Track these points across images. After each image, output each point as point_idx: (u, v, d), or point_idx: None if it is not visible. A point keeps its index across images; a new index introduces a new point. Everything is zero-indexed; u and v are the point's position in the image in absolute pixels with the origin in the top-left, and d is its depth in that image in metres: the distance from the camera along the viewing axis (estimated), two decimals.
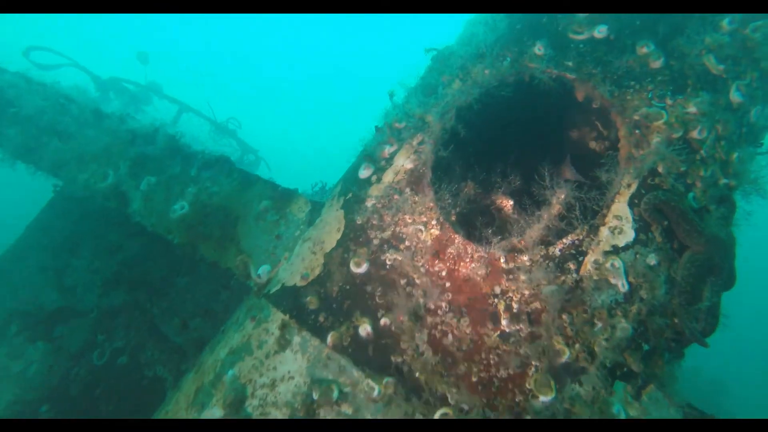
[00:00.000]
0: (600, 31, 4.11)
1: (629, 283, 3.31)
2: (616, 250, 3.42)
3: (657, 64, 3.83)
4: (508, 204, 4.44)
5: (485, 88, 4.23)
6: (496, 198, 4.45)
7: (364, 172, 4.32)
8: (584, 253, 3.48)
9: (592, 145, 6.58)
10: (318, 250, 4.17)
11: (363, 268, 3.90)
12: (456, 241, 3.77)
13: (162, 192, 5.05)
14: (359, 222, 4.08)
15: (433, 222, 3.86)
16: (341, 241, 4.10)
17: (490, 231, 3.71)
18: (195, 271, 6.81)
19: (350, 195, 4.29)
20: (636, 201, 3.50)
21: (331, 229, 4.22)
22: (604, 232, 3.49)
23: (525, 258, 3.59)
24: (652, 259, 3.35)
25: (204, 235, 4.76)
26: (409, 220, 3.93)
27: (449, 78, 4.45)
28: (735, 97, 3.60)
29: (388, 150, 4.31)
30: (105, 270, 7.39)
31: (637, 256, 3.37)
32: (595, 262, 3.43)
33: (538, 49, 4.20)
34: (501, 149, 4.92)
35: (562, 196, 3.67)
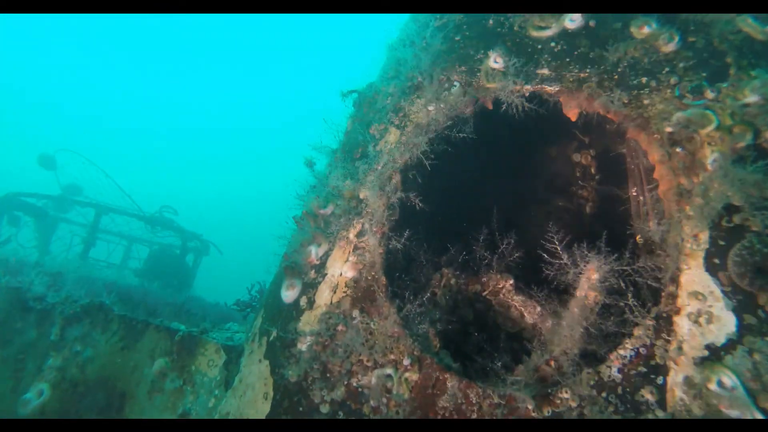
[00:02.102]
0: (572, 20, 2.87)
1: (763, 410, 1.90)
2: (715, 354, 2.02)
3: (671, 46, 2.58)
4: (506, 284, 3.03)
5: (434, 133, 2.89)
6: (488, 279, 3.04)
7: (288, 294, 2.86)
8: (663, 370, 2.07)
9: (576, 158, 5.38)
10: None
11: None
12: (449, 385, 2.31)
13: (7, 375, 3.44)
14: (294, 380, 2.58)
15: (406, 360, 2.40)
16: (273, 416, 2.57)
17: (499, 363, 2.27)
18: None
19: (274, 334, 2.80)
20: (717, 261, 2.14)
21: (255, 395, 2.69)
22: (682, 324, 2.10)
23: (566, 395, 2.14)
24: None
25: None
26: (369, 364, 2.45)
27: (381, 128, 3.10)
28: None
29: (315, 253, 2.88)
30: None
31: (755, 355, 1.97)
32: (688, 382, 2.01)
33: (495, 60, 2.92)
34: (477, 206, 3.57)
35: (595, 276, 2.28)
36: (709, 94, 2.41)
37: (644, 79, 2.59)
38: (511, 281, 3.03)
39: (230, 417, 2.75)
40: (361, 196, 2.88)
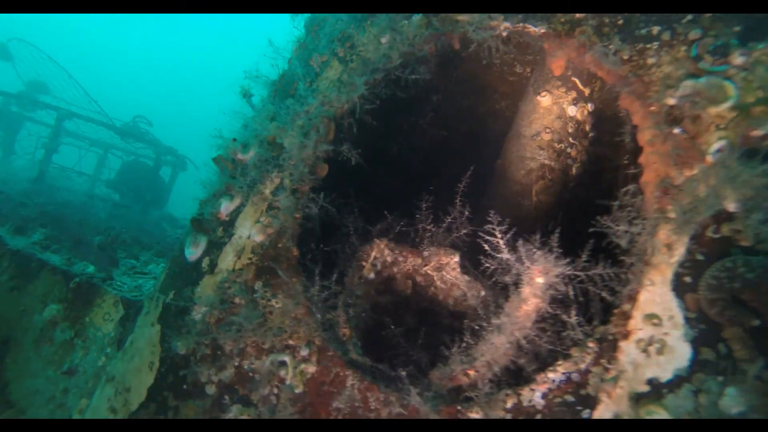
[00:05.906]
0: None
1: None
2: (656, 391, 1.66)
3: None
4: (451, 261, 2.62)
5: (383, 72, 2.31)
6: (431, 253, 2.62)
7: (191, 251, 2.44)
8: (592, 402, 1.72)
9: (571, 111, 4.78)
10: (120, 405, 2.34)
11: None
12: (348, 384, 1.97)
13: None
14: (182, 352, 2.23)
15: (303, 350, 2.03)
16: (155, 390, 2.26)
17: (404, 372, 1.90)
18: None
19: (172, 295, 2.42)
20: (688, 280, 1.71)
21: (141, 363, 2.37)
22: (628, 351, 1.72)
23: (477, 415, 1.81)
24: (732, 403, 1.60)
25: None
26: (265, 347, 2.09)
27: (322, 60, 2.50)
28: None
29: (226, 207, 2.41)
30: None
31: (701, 397, 1.61)
32: (617, 418, 1.67)
33: None
34: (425, 164, 3.04)
35: (540, 281, 1.85)
36: (736, 59, 1.83)
37: (656, 29, 1.99)
38: (456, 258, 2.61)
39: (112, 385, 2.45)
40: (285, 144, 2.36)
